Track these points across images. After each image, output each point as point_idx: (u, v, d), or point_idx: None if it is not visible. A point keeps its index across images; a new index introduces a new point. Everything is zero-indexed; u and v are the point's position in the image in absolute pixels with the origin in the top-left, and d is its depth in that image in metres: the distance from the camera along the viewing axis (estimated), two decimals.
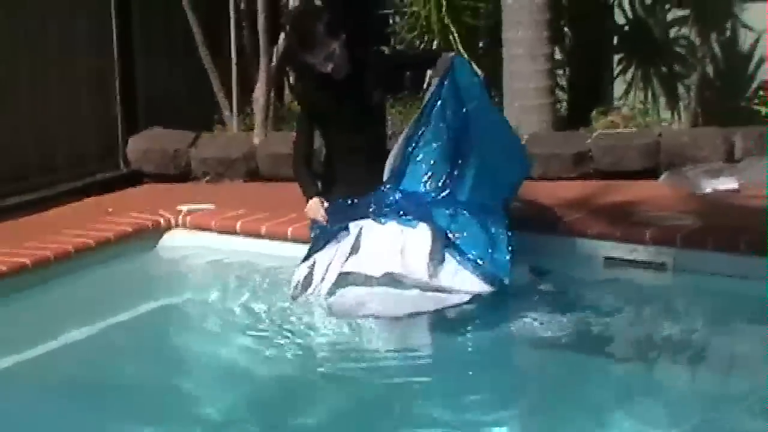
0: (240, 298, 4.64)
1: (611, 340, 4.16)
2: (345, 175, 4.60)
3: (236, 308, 4.52)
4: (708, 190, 5.60)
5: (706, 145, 6.10)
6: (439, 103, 4.47)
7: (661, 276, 4.73)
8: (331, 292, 4.28)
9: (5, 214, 5.79)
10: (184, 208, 5.59)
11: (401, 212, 4.32)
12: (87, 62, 6.59)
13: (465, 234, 4.33)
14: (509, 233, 4.36)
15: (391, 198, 4.38)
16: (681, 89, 7.03)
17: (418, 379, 3.90)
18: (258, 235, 5.23)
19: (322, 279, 4.35)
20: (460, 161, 4.43)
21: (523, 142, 4.90)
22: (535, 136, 6.41)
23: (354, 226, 4.35)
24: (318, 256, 4.43)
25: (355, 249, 4.28)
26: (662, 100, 7.07)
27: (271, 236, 5.18)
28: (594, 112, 6.79)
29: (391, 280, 4.20)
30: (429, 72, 4.56)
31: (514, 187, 4.63)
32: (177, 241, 5.44)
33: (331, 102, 4.56)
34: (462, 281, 4.25)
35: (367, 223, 4.33)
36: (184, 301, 4.73)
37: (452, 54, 4.65)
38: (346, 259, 4.26)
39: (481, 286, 4.25)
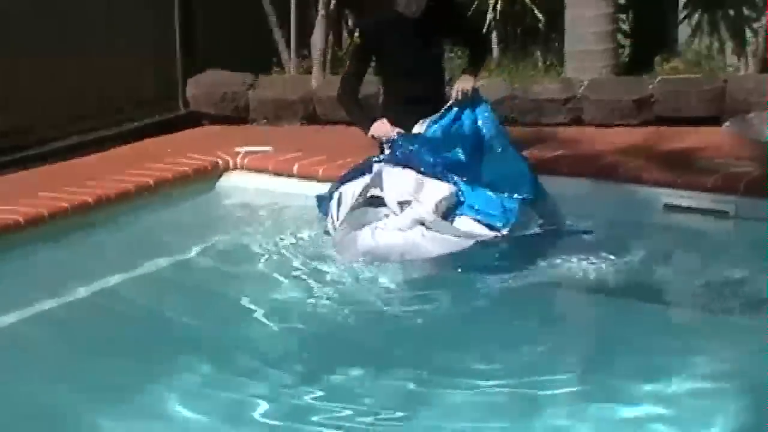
0: (294, 239, 4.67)
1: (666, 286, 4.12)
2: (402, 122, 4.57)
3: (290, 250, 4.55)
4: None
5: None
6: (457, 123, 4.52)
7: (722, 223, 4.66)
8: (341, 236, 4.35)
9: (68, 153, 5.89)
10: (242, 149, 5.62)
11: (427, 163, 4.41)
12: (148, 5, 6.61)
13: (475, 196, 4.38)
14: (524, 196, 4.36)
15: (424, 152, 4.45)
16: (749, 33, 6.84)
17: (464, 322, 3.91)
18: (315, 178, 5.25)
19: (353, 202, 4.44)
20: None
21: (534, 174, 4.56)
22: (596, 81, 6.30)
23: (377, 166, 4.47)
24: (344, 188, 4.53)
25: (377, 183, 4.40)
26: (729, 45, 6.89)
27: (328, 179, 5.18)
28: (657, 57, 6.65)
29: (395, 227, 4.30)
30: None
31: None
32: (234, 182, 5.48)
33: (397, 41, 4.53)
34: (463, 223, 4.30)
35: (389, 166, 4.44)
36: (240, 242, 4.76)
37: (477, 88, 4.56)
38: (372, 186, 4.40)
39: (482, 230, 4.28)
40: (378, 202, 4.41)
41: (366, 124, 4.60)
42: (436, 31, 4.58)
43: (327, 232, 4.55)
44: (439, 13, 4.55)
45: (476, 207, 4.33)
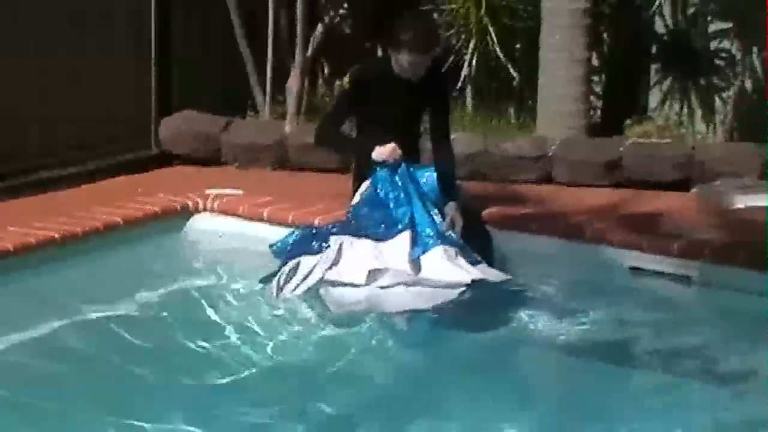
0: (260, 285, 4.65)
1: (629, 349, 4.14)
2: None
3: (257, 295, 4.52)
4: (740, 205, 5.55)
5: (740, 161, 6.05)
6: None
7: (686, 289, 4.70)
8: (325, 288, 4.32)
9: (38, 187, 5.86)
10: (213, 192, 5.62)
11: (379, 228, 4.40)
12: (124, 42, 6.62)
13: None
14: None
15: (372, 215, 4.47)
16: (718, 102, 6.97)
17: (426, 379, 3.92)
18: (285, 224, 5.24)
19: (304, 279, 4.37)
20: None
21: None
22: (567, 141, 6.38)
23: (334, 241, 4.41)
24: (303, 259, 4.45)
25: (335, 261, 4.34)
26: (698, 112, 7.01)
27: (298, 225, 5.18)
28: (628, 120, 6.74)
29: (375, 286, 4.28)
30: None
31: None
32: (204, 224, 5.46)
33: (386, 97, 4.54)
34: (431, 261, 4.27)
35: (347, 238, 4.40)
36: (205, 286, 4.73)
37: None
38: (329, 268, 4.32)
39: (463, 276, 4.24)
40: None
41: (366, 147, 4.47)
42: (425, 95, 4.60)
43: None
44: (431, 80, 4.57)
45: (430, 234, 4.32)
